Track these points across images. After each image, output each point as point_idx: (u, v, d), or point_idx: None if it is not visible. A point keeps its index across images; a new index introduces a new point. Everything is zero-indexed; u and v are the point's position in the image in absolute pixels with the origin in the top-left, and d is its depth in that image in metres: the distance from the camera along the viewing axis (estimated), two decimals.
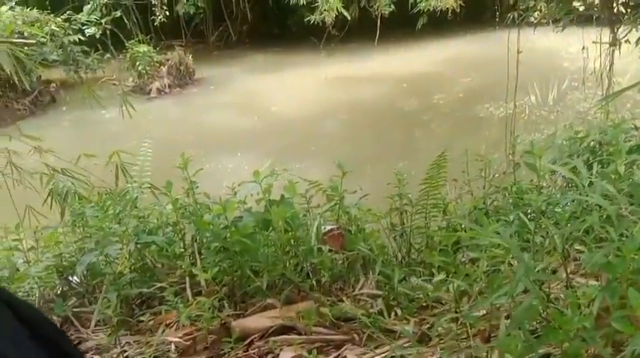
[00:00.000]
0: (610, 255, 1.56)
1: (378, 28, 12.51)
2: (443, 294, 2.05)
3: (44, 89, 10.74)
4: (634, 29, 5.20)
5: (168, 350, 2.11)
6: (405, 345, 1.86)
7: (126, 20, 13.40)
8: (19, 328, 0.69)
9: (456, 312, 1.84)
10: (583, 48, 5.82)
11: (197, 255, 2.43)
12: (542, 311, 1.53)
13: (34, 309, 0.67)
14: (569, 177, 2.29)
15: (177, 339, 2.12)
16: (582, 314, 1.47)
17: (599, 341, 1.37)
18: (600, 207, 2.04)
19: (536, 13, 6.44)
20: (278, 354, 1.96)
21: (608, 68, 5.51)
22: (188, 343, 2.09)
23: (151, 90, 10.80)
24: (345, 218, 2.77)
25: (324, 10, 11.88)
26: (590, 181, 2.33)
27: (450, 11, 12.37)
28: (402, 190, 2.86)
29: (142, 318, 2.34)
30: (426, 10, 12.20)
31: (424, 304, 2.17)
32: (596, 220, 1.80)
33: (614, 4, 5.50)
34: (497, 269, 1.92)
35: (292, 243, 2.47)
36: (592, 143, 3.22)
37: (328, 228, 2.67)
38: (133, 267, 2.56)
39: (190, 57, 11.65)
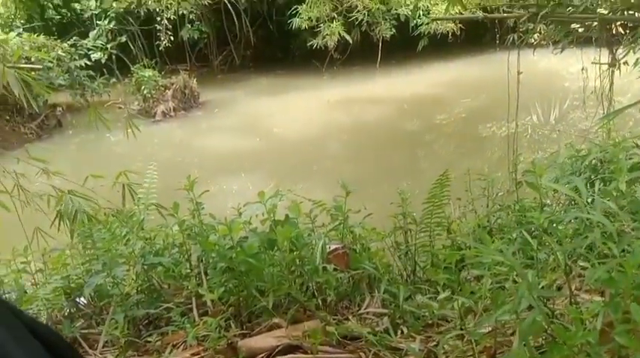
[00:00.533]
0: (612, 270, 1.58)
1: (380, 51, 12.67)
2: (448, 312, 2.06)
3: (50, 113, 10.86)
4: (632, 50, 5.27)
5: None
6: None
7: (131, 45, 13.63)
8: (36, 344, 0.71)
9: (462, 329, 1.85)
10: (583, 68, 5.89)
11: (203, 276, 2.45)
12: (546, 327, 1.55)
13: (50, 328, 0.70)
14: (571, 195, 2.31)
15: None
16: (586, 330, 1.49)
17: (603, 356, 1.39)
18: (601, 224, 2.06)
19: (535, 35, 6.52)
20: None
21: (608, 88, 5.56)
22: None
23: (156, 113, 10.91)
24: (349, 237, 2.80)
25: (327, 34, 12.04)
26: (592, 199, 2.35)
27: (450, 34, 12.52)
28: (405, 209, 2.89)
29: (149, 339, 2.34)
30: (426, 33, 12.36)
31: (430, 322, 2.18)
32: (598, 237, 1.83)
33: (612, 26, 5.58)
34: (502, 286, 1.94)
35: (297, 262, 2.49)
36: (594, 161, 3.24)
37: (333, 247, 2.69)
38: (139, 288, 2.59)
39: (195, 81, 11.79)
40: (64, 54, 10.99)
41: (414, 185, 5.74)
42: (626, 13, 4.97)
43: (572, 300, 1.78)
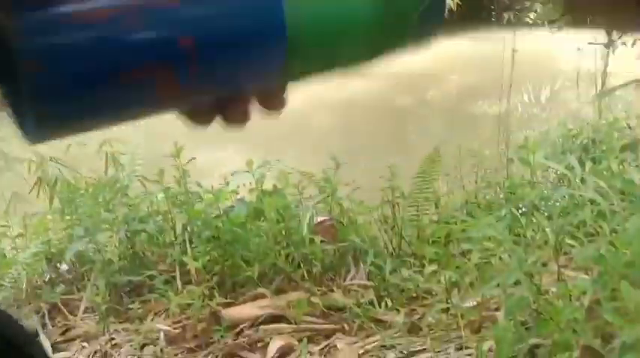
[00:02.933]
0: (602, 248, 1.56)
1: None
2: (434, 285, 2.05)
3: None
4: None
5: (157, 338, 2.09)
6: (394, 335, 1.86)
7: None
8: None
9: (447, 303, 1.84)
10: (578, 48, 5.85)
11: (188, 244, 2.41)
12: (533, 302, 1.54)
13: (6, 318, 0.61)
14: (563, 172, 2.29)
15: (166, 327, 2.11)
16: (573, 306, 1.48)
17: (589, 333, 1.38)
18: (592, 202, 2.05)
19: (532, 14, 6.46)
20: (268, 343, 1.95)
21: (602, 69, 5.54)
22: (177, 331, 2.07)
23: None
24: (337, 209, 2.77)
25: None
26: (583, 177, 2.34)
27: (446, 9, 12.37)
28: (394, 183, 2.86)
29: (131, 306, 2.32)
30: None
31: (414, 295, 2.17)
32: (588, 215, 1.81)
33: None
34: (489, 261, 1.92)
35: (284, 233, 2.46)
36: (585, 141, 3.23)
37: (320, 219, 2.67)
38: (122, 255, 2.54)
39: None
40: None
41: (403, 160, 5.71)
42: None
43: (560, 277, 1.77)
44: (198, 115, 0.43)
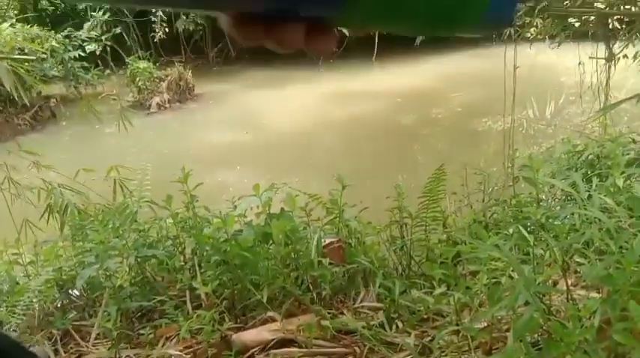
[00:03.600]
0: (610, 267, 1.56)
1: (376, 44, 12.62)
2: (444, 307, 2.05)
3: (44, 104, 10.76)
4: (630, 44, 5.26)
5: None
6: None
7: (126, 37, 13.52)
8: None
9: (457, 325, 1.84)
10: (579, 63, 5.88)
11: (197, 269, 2.43)
12: (543, 323, 1.53)
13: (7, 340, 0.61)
14: (568, 190, 2.30)
15: (177, 352, 2.11)
16: (584, 327, 1.48)
17: (600, 354, 1.37)
18: (599, 220, 2.05)
19: (532, 29, 6.50)
20: None
21: (604, 83, 5.56)
22: (189, 356, 2.08)
23: (150, 105, 10.83)
24: (345, 231, 2.78)
25: None
26: (589, 194, 2.34)
27: None
28: (401, 203, 2.88)
29: (142, 332, 2.33)
30: None
31: (425, 316, 2.17)
32: (595, 233, 1.82)
33: (609, 20, 5.56)
34: (498, 281, 1.93)
35: (292, 256, 2.47)
36: (590, 156, 3.24)
37: (328, 240, 2.68)
38: (133, 281, 2.56)
39: (190, 73, 11.71)
40: (57, 45, 10.88)
41: (410, 179, 5.73)
42: (622, 7, 4.95)
43: (569, 297, 1.77)
44: (246, 28, 0.40)
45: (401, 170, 6.75)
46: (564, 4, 5.27)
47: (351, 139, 8.75)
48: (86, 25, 12.34)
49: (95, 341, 2.38)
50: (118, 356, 2.21)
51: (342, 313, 2.32)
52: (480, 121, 8.68)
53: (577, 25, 6.08)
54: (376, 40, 12.49)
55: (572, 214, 2.31)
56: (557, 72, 10.20)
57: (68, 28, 11.93)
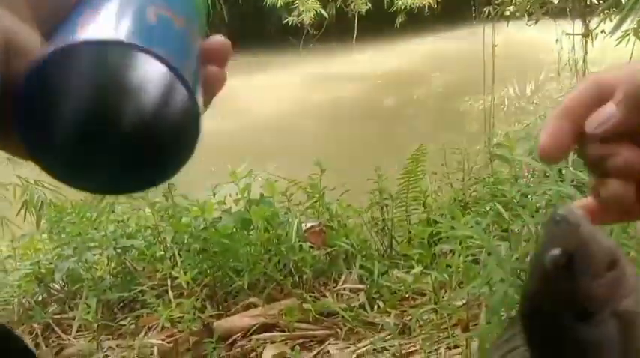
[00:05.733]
0: None
1: (356, 26, 12.54)
2: (423, 286, 2.06)
3: None
4: (607, 20, 5.28)
5: (151, 353, 2.10)
6: (386, 338, 1.88)
7: None
8: None
9: (435, 303, 1.85)
10: (557, 40, 5.90)
11: (177, 257, 2.42)
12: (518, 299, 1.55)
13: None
14: (542, 167, 2.32)
15: (159, 341, 2.11)
16: None
17: None
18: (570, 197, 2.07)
19: (511, 7, 6.50)
20: (261, 352, 1.96)
21: (582, 59, 5.59)
22: (170, 345, 2.08)
23: None
24: (326, 214, 2.79)
25: (302, 10, 11.84)
26: (559, 169, 2.36)
27: (427, 7, 12.43)
28: (381, 185, 2.88)
29: (123, 322, 2.32)
30: (402, 8, 12.26)
31: (406, 296, 2.19)
32: None
33: None
34: (477, 259, 1.94)
35: (273, 241, 2.47)
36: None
37: (309, 224, 2.68)
38: (113, 272, 2.55)
39: None
40: None
41: (392, 160, 5.73)
42: None
43: None
44: None
45: (383, 152, 6.76)
46: None
47: (331, 122, 8.73)
48: None
49: (77, 334, 2.37)
50: (99, 347, 2.20)
51: (324, 296, 2.33)
52: (461, 101, 8.71)
53: (555, 1, 6.10)
54: (356, 22, 12.42)
55: (549, 191, 2.33)
56: (536, 49, 10.24)
57: None
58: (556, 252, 0.35)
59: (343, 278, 2.46)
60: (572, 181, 1.95)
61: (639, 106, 0.36)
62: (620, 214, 0.39)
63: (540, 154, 0.39)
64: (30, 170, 3.21)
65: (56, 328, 2.41)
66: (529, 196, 2.34)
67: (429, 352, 1.71)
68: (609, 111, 0.36)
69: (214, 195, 2.60)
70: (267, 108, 9.50)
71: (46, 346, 2.34)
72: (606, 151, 0.37)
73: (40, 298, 2.64)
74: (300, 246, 2.41)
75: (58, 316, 2.49)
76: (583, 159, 0.38)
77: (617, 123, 0.36)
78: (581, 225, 0.36)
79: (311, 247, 2.50)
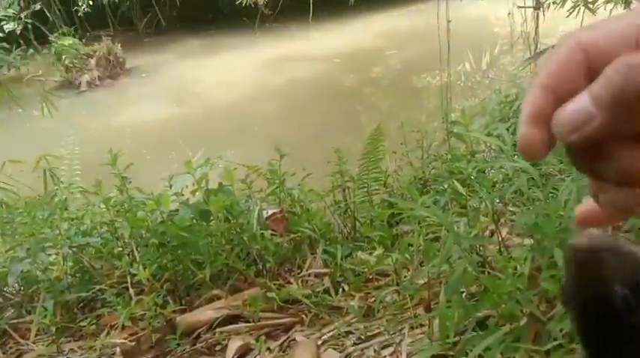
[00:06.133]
0: (538, 215, 1.60)
1: (311, 4, 12.40)
2: (385, 267, 2.07)
3: None
4: None
5: (113, 354, 2.05)
6: (351, 321, 1.88)
7: (47, 12, 12.74)
8: None
9: (397, 284, 1.86)
10: (509, 13, 5.96)
11: (135, 253, 2.35)
12: (477, 275, 1.57)
13: None
14: (497, 143, 2.34)
15: (121, 341, 2.06)
16: (516, 276, 1.52)
17: (532, 301, 1.42)
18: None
19: None
20: (226, 345, 1.93)
21: (534, 31, 5.67)
22: (133, 343, 2.03)
23: (80, 83, 10.31)
24: (288, 200, 2.76)
25: None
26: (514, 144, 2.39)
27: None
28: (342, 167, 2.86)
29: (83, 323, 2.25)
30: None
31: (370, 277, 2.19)
32: (524, 183, 1.86)
33: None
34: (437, 237, 1.95)
35: (234, 231, 2.43)
36: (520, 106, 3.30)
37: (271, 212, 2.65)
38: (69, 271, 2.47)
39: (119, 46, 11.16)
40: None
41: (353, 140, 5.73)
42: None
43: (503, 246, 1.82)
44: None
45: (345, 133, 6.75)
46: None
47: (291, 105, 8.65)
48: (2, 2, 11.55)
49: (36, 338, 2.29)
50: (60, 350, 2.14)
51: (289, 283, 2.31)
52: (419, 78, 8.75)
53: None
54: (311, 0, 12.27)
55: (505, 166, 2.36)
56: (489, 23, 10.35)
57: None
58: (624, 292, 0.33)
59: (307, 263, 2.45)
60: None
61: (631, 107, 0.26)
62: (626, 214, 0.34)
63: (521, 151, 0.31)
64: None
65: (13, 333, 2.33)
66: (486, 171, 2.37)
67: (393, 333, 1.72)
68: (583, 108, 0.27)
69: (171, 186, 2.54)
70: (223, 92, 9.33)
71: (4, 353, 2.25)
72: (600, 156, 0.28)
73: None
74: (262, 234, 2.38)
75: (15, 321, 2.40)
76: (571, 158, 0.30)
77: (598, 127, 0.27)
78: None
79: (273, 234, 2.48)
